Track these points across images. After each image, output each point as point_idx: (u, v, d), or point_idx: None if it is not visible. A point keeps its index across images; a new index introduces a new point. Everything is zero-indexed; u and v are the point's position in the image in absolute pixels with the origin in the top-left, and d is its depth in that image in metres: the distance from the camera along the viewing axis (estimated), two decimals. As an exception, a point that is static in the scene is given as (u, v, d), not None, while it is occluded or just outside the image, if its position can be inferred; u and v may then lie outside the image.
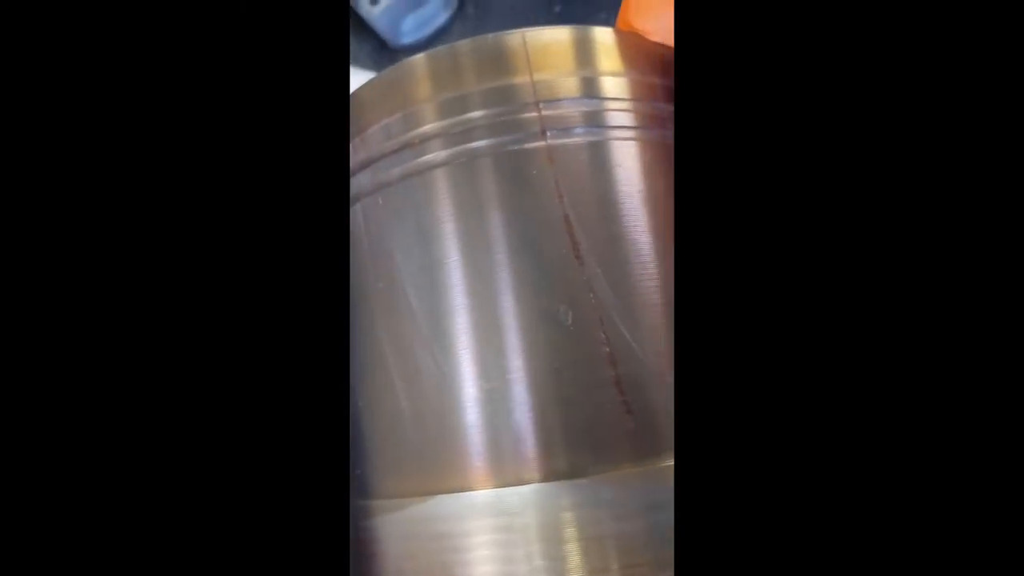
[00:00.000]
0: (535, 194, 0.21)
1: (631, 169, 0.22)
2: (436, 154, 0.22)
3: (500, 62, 0.23)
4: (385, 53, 0.63)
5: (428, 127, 0.23)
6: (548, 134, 0.22)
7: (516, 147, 0.22)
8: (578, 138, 0.22)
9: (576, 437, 0.20)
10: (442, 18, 0.62)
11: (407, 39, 0.62)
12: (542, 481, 0.20)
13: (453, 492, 0.21)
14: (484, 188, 0.22)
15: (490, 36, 0.23)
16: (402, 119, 0.23)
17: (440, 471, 0.21)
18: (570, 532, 0.20)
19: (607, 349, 0.20)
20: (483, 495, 0.20)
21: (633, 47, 0.24)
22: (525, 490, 0.20)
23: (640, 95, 0.23)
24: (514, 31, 0.23)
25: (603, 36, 0.24)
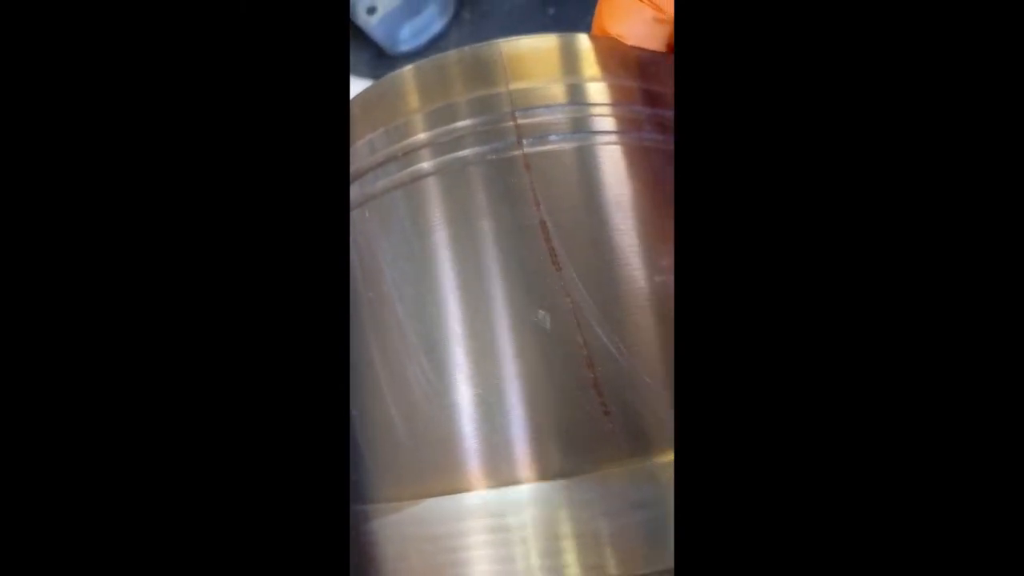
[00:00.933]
0: (513, 202, 0.22)
1: (607, 173, 0.23)
2: (418, 166, 0.23)
3: (478, 73, 0.23)
4: (383, 61, 0.63)
5: (410, 140, 0.23)
6: (524, 142, 0.22)
7: (494, 156, 0.22)
8: (554, 145, 0.22)
9: (558, 439, 0.20)
10: (438, 25, 0.63)
11: (404, 47, 0.63)
12: (531, 482, 0.20)
13: (447, 495, 0.21)
14: (465, 198, 0.22)
15: (468, 48, 0.23)
16: (385, 133, 0.24)
17: (432, 475, 0.22)
18: (565, 530, 0.20)
19: (585, 352, 0.21)
20: (475, 496, 0.21)
21: (608, 52, 0.24)
22: (516, 491, 0.20)
23: (617, 99, 0.24)
24: (493, 42, 0.23)
25: (579, 43, 0.24)
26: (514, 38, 0.24)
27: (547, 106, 0.23)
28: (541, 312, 0.21)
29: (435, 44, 0.63)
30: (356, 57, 0.63)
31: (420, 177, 0.23)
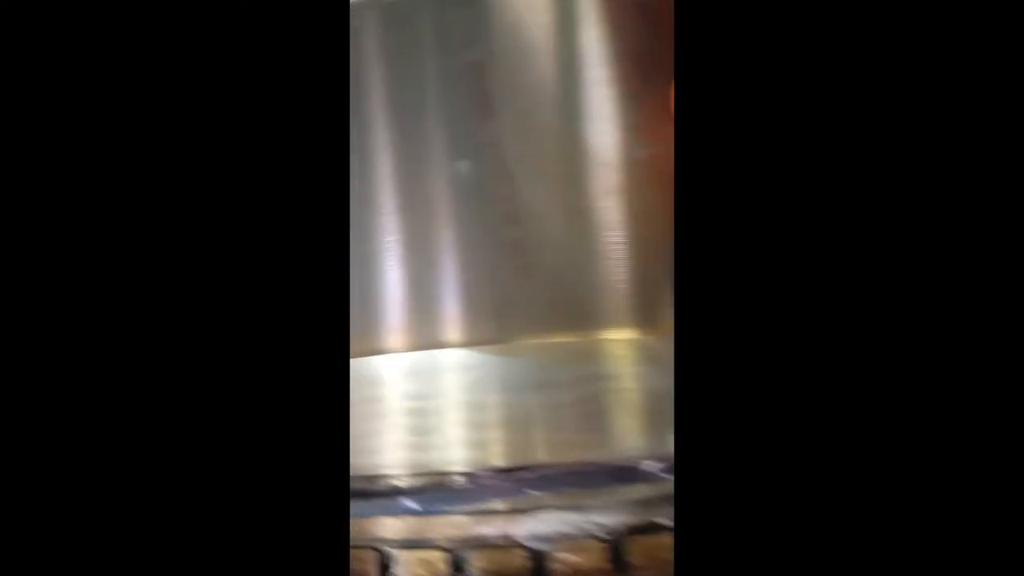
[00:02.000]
0: (446, 41, 0.20)
1: (562, 15, 0.20)
2: None
3: None
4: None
5: None
6: None
7: None
8: None
9: (481, 302, 0.19)
10: None
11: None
12: (423, 349, 0.19)
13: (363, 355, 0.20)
14: (414, 32, 0.20)
15: None
16: None
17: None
18: (491, 401, 0.19)
19: (510, 207, 0.19)
20: (393, 359, 0.20)
21: None
22: (438, 355, 0.19)
23: None
24: None
25: None
26: None
27: None
28: (463, 163, 0.19)
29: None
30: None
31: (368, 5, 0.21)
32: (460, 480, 0.18)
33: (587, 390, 0.18)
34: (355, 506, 0.17)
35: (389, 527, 0.19)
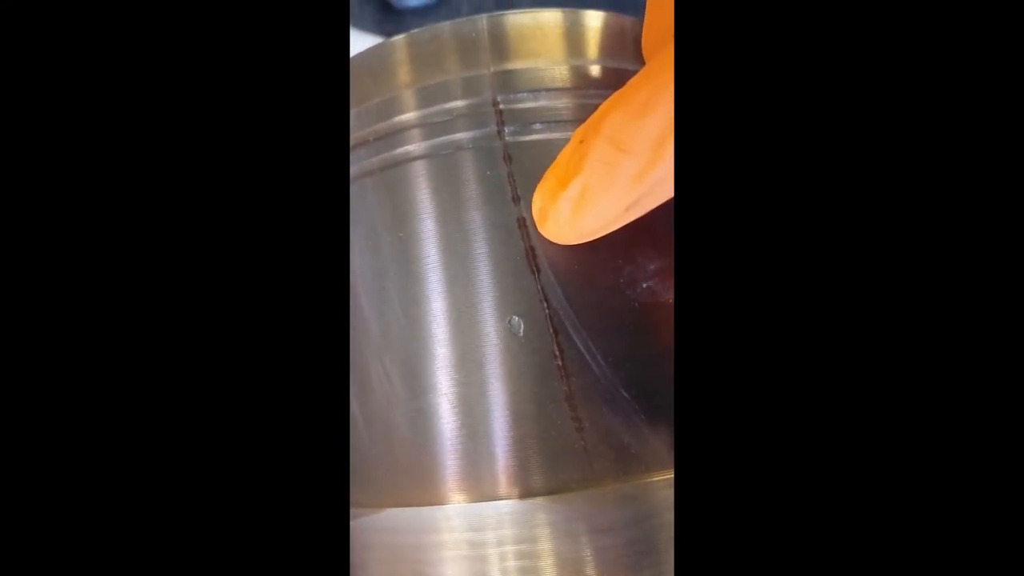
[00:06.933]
0: (491, 196, 0.20)
1: None
2: (371, 160, 0.21)
3: (459, 52, 0.21)
4: (390, 16, 0.61)
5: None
6: (505, 130, 0.20)
7: (471, 146, 0.20)
8: (539, 135, 0.20)
9: (535, 455, 0.19)
10: (449, -21, 0.60)
11: (412, 1, 0.60)
12: (481, 501, 0.19)
13: (398, 506, 0.20)
14: (442, 187, 0.21)
15: (448, 24, 0.21)
16: (367, 111, 0.22)
17: (395, 484, 0.21)
18: (544, 548, 0.19)
19: (559, 363, 0.19)
20: (446, 510, 0.20)
21: (609, 30, 0.22)
22: (491, 506, 0.19)
23: (612, 84, 0.22)
24: (478, 16, 0.21)
25: (578, 19, 0.22)
26: (501, 12, 0.22)
27: (532, 91, 0.21)
28: (514, 318, 0.20)
29: (446, 1, 0.61)
30: (360, 9, 0.61)
31: (372, 172, 0.21)
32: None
33: (635, 533, 0.19)
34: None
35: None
